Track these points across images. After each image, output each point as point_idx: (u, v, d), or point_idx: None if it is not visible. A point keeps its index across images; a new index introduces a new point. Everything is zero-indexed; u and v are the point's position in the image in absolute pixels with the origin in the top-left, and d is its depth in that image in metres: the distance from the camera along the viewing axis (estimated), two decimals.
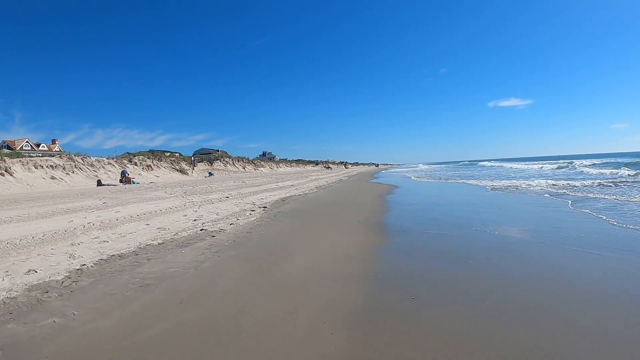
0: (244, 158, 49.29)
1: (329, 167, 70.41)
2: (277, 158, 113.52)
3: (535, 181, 15.69)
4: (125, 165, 28.59)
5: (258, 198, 10.72)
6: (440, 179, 22.86)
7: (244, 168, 44.04)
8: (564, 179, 16.41)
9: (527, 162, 56.02)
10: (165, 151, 67.38)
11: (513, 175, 22.76)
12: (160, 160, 32.26)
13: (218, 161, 41.99)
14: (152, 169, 30.02)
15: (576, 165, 29.32)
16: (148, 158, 31.13)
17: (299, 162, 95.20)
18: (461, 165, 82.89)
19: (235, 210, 8.11)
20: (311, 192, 13.11)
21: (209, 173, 31.77)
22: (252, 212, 7.68)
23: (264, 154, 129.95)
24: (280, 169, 57.23)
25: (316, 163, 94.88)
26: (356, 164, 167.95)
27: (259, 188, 14.74)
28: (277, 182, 19.65)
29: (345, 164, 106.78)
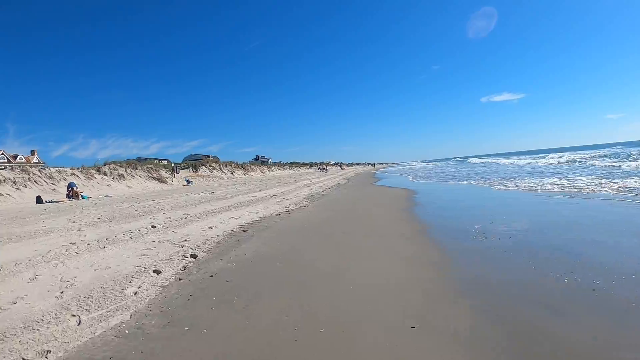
0: (233, 162, 46.13)
1: (324, 169, 67.19)
2: (271, 161, 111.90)
3: (584, 179, 12.78)
4: (92, 176, 25.32)
5: (207, 225, 6.97)
6: (452, 180, 19.75)
7: (232, 173, 40.86)
8: (606, 177, 13.49)
9: (522, 157, 54.01)
10: (154, 158, 63.97)
11: (530, 173, 19.84)
12: (135, 168, 29.01)
13: (204, 167, 38.79)
14: (125, 179, 26.76)
15: (586, 160, 26.69)
16: (121, 166, 27.86)
17: (292, 164, 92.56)
18: (453, 161, 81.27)
19: (123, 271, 4.01)
20: (298, 206, 9.76)
21: (187, 181, 28.60)
22: (141, 289, 3.69)
23: (257, 157, 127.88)
24: (272, 172, 54.12)
25: (310, 165, 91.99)
26: (351, 164, 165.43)
27: (226, 202, 11.14)
28: (257, 190, 16.43)
29: (340, 165, 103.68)
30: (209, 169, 38.49)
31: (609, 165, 19.51)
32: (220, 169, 40.38)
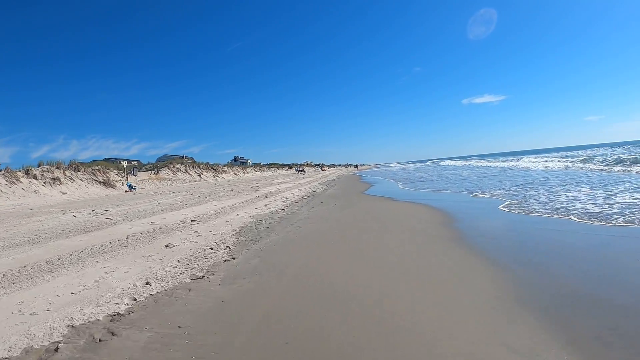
0: (202, 164, 41.85)
1: (302, 171, 62.93)
2: (250, 162, 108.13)
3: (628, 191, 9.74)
4: (17, 180, 20.74)
5: None
6: (459, 189, 14.68)
7: (199, 175, 36.62)
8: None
9: (508, 158, 51.81)
10: (122, 159, 58.39)
11: (545, 181, 16.83)
12: (77, 170, 24.48)
13: (166, 168, 34.41)
14: (61, 183, 22.28)
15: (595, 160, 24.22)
16: (57, 168, 23.29)
17: (271, 166, 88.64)
18: (430, 164, 79.64)
19: None
20: (226, 254, 5.23)
21: (129, 186, 24.29)
22: None
23: (235, 158, 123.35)
24: (246, 174, 50.07)
25: (290, 166, 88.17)
26: (333, 165, 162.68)
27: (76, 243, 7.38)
28: (199, 203, 12.42)
29: (321, 166, 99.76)
30: (172, 171, 34.14)
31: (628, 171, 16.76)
32: (186, 170, 36.08)
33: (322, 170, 74.07)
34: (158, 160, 63.44)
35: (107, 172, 26.54)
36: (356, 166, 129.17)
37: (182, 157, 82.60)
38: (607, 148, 50.54)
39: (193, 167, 38.00)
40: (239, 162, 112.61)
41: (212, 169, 42.25)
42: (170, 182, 30.76)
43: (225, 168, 46.43)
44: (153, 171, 33.70)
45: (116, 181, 26.06)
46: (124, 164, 28.23)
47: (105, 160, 63.39)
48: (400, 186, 18.76)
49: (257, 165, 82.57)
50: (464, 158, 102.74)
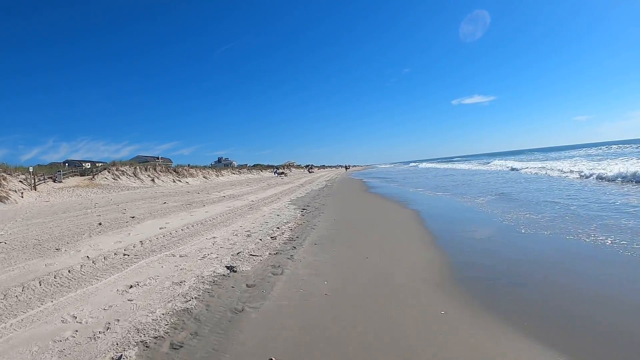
0: (163, 166, 34.76)
1: (282, 174, 54.05)
2: (235, 164, 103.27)
3: None
4: None
5: None
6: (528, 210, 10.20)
7: (153, 180, 29.52)
8: None
9: (501, 158, 49.23)
10: (87, 161, 50.87)
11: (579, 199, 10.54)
12: None
13: (106, 172, 27.23)
14: None
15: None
16: None
17: (255, 167, 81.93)
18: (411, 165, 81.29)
19: None
20: None
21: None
22: None
23: (219, 160, 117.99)
24: (220, 178, 43.07)
25: (276, 168, 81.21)
26: (323, 166, 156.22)
27: None
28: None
29: (309, 167, 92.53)
30: (113, 175, 26.96)
31: None
32: (135, 174, 28.92)
33: (310, 172, 66.53)
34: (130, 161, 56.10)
35: (6, 179, 19.38)
36: (347, 167, 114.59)
37: (158, 158, 75.28)
38: (593, 148, 52.11)
39: (146, 169, 30.85)
40: (223, 164, 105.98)
41: (175, 172, 35.13)
42: (107, 189, 23.65)
43: (193, 171, 39.33)
44: (92, 175, 26.51)
45: (16, 191, 18.91)
46: (30, 168, 20.95)
47: (65, 162, 55.80)
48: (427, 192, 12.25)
49: (241, 167, 75.80)
50: (450, 160, 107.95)
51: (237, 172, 55.61)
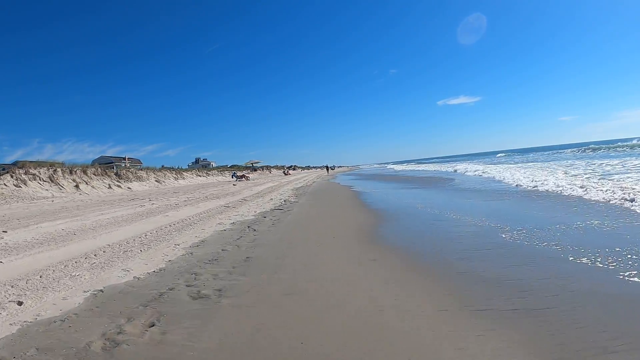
0: (100, 169, 28.65)
1: (243, 178, 40.81)
2: (213, 164, 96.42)
3: None
4: None
5: None
6: None
7: (77, 187, 23.42)
8: None
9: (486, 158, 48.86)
10: (53, 161, 43.94)
11: None
12: None
13: (8, 176, 21.04)
14: None
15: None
16: None
17: (232, 168, 75.99)
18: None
19: None
20: None
21: None
22: None
23: (197, 161, 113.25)
24: (178, 182, 37.06)
25: (254, 169, 75.11)
26: (308, 167, 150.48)
27: None
28: None
29: (285, 169, 78.89)
30: (16, 180, 20.80)
31: None
32: (52, 179, 22.77)
33: (285, 175, 60.08)
34: (93, 162, 49.36)
35: None
36: (330, 168, 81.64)
37: (124, 158, 68.08)
38: (575, 149, 54.37)
39: (71, 173, 24.67)
40: (200, 164, 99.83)
41: (117, 175, 29.03)
42: (6, 200, 17.54)
43: (142, 173, 33.23)
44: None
45: None
46: None
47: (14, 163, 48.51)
48: None
49: (220, 168, 69.96)
50: (430, 160, 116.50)
51: (205, 175, 49.53)
